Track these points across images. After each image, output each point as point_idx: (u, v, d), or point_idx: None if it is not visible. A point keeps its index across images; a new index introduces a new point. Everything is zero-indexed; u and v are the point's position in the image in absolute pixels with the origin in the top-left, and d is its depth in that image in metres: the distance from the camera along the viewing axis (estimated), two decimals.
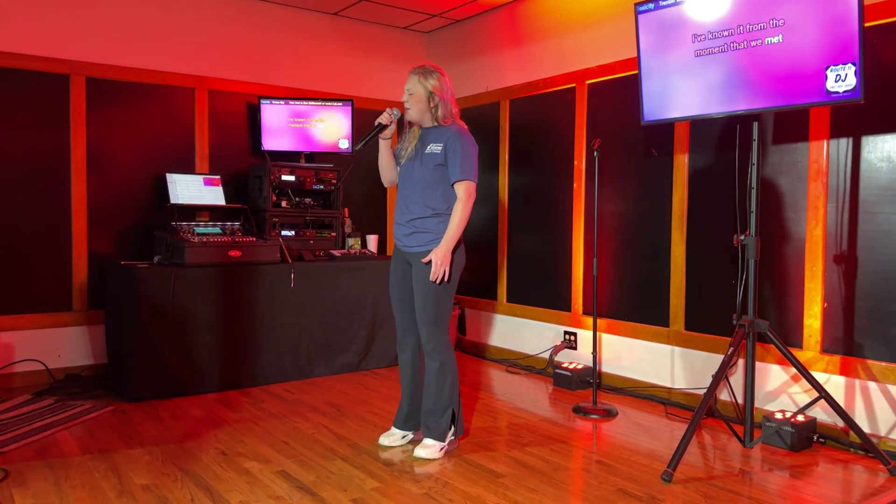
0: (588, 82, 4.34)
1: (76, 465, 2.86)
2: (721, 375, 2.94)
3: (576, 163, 4.43)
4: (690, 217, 3.80)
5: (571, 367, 4.20)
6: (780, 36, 2.73)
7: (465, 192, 2.94)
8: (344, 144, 4.89)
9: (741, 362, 3.43)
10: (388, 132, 3.07)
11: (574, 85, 4.43)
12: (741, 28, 2.86)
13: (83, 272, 4.31)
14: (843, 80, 2.59)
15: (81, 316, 4.31)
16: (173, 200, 4.29)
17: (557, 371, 4.25)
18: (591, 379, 3.89)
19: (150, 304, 3.82)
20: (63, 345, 4.28)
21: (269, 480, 2.72)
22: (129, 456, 2.98)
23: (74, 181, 4.26)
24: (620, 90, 4.12)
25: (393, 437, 3.16)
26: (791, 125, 3.33)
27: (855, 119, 3.11)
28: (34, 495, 2.55)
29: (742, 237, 3.03)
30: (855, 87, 2.57)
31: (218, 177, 4.54)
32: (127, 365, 3.87)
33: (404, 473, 2.82)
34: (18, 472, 2.76)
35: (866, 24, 2.99)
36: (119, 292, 4.02)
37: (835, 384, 3.19)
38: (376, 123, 3.03)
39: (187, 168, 4.65)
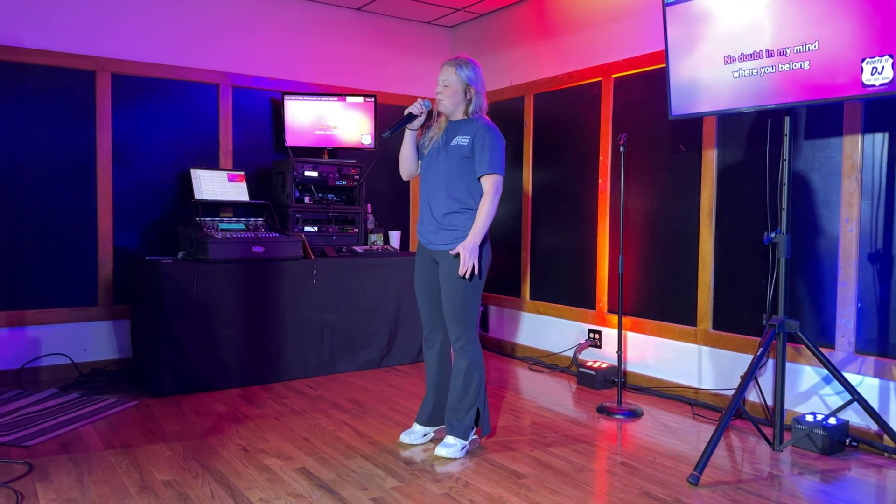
0: (615, 76, 4.27)
1: (99, 460, 2.88)
2: (750, 376, 2.86)
3: (601, 158, 4.36)
4: (719, 214, 3.71)
5: (596, 365, 4.14)
6: (817, 43, 2.63)
7: (492, 186, 2.90)
8: (367, 140, 4.87)
9: (771, 363, 3.35)
10: (416, 123, 3.03)
11: (600, 79, 4.35)
12: (771, 51, 2.77)
13: (109, 267, 4.35)
14: (879, 72, 2.49)
15: (107, 311, 4.35)
16: (197, 196, 4.31)
17: (581, 370, 4.19)
18: (616, 378, 3.83)
19: (174, 300, 3.83)
20: (89, 339, 4.32)
21: (290, 478, 2.71)
22: (151, 451, 2.99)
23: (100, 176, 4.30)
24: (648, 84, 4.03)
25: (414, 435, 3.13)
26: (824, 119, 3.23)
27: (891, 113, 3.00)
28: (56, 490, 2.57)
29: (772, 235, 2.94)
30: (892, 79, 2.47)
31: (242, 173, 4.55)
32: (151, 360, 3.89)
33: (425, 472, 2.79)
34: (42, 466, 2.79)
35: None
36: (143, 287, 4.04)
37: (868, 386, 3.09)
38: (406, 113, 2.99)
39: (211, 164, 4.66)
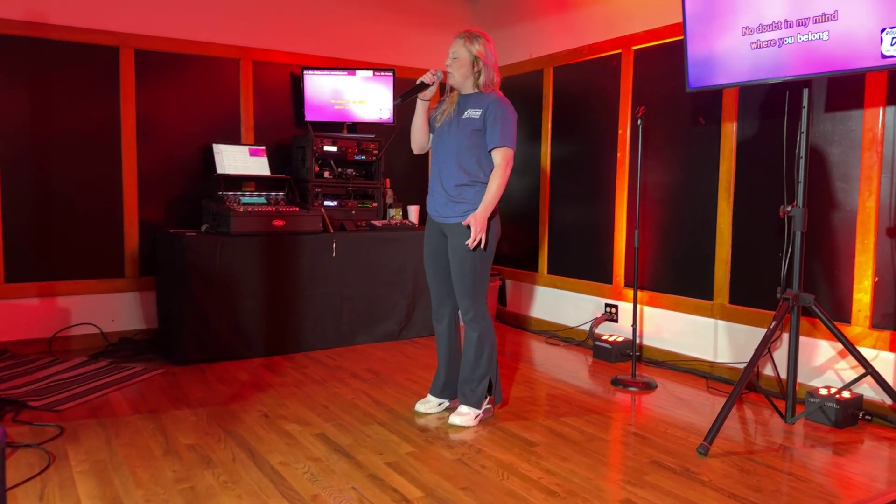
0: (634, 48, 4.23)
1: (126, 424, 2.99)
2: (763, 349, 2.87)
3: (620, 132, 4.34)
4: (738, 187, 3.69)
5: (612, 339, 4.17)
6: (837, 13, 2.60)
7: (503, 159, 2.92)
8: (385, 115, 4.90)
9: (785, 336, 3.35)
10: (428, 93, 3.04)
11: (620, 51, 4.32)
12: (790, 21, 2.73)
13: (134, 240, 4.45)
14: None
15: (133, 282, 4.47)
16: (220, 170, 4.38)
17: (597, 343, 4.22)
18: (631, 352, 3.86)
19: (198, 272, 3.93)
20: (117, 310, 4.45)
21: (309, 443, 2.80)
22: (176, 416, 3.10)
23: (125, 150, 4.39)
24: (668, 56, 4.00)
25: (429, 405, 3.20)
26: (845, 91, 3.19)
27: None
28: (86, 451, 2.68)
29: (789, 208, 2.93)
30: None
31: (263, 147, 4.61)
32: (176, 330, 4.00)
33: (439, 439, 2.86)
34: (73, 430, 2.90)
35: None
36: (168, 260, 4.15)
37: (884, 360, 3.09)
38: (418, 82, 3.02)
39: (233, 138, 4.73)
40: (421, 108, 3.07)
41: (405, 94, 3.00)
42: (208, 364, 3.96)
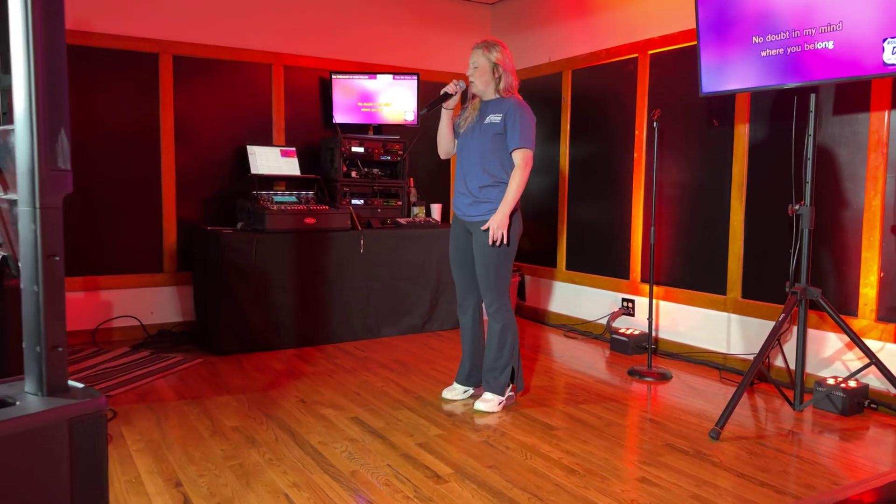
0: (650, 52, 4.40)
1: (173, 409, 3.22)
2: (772, 341, 3.04)
3: (636, 133, 4.51)
4: (750, 186, 3.85)
5: (628, 332, 4.34)
6: (841, 24, 2.76)
7: (522, 160, 3.10)
8: (410, 117, 5.10)
9: (794, 329, 3.51)
10: (451, 102, 3.24)
11: (636, 55, 4.49)
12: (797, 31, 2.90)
13: (172, 237, 4.69)
14: None
15: (171, 277, 4.71)
16: (254, 171, 4.61)
17: (614, 336, 4.40)
18: (647, 344, 4.03)
19: (234, 267, 4.15)
20: (155, 303, 4.69)
21: (344, 425, 3.01)
22: (218, 402, 3.32)
23: (164, 152, 4.62)
24: (682, 60, 4.16)
25: (455, 392, 3.40)
26: (852, 96, 3.34)
27: None
28: (140, 432, 2.91)
29: (797, 207, 3.09)
30: None
31: (293, 149, 4.83)
32: (213, 322, 4.23)
33: (465, 423, 3.06)
34: (124, 413, 3.13)
35: None
36: (205, 256, 4.37)
37: (889, 352, 3.24)
38: (442, 93, 3.21)
39: (265, 140, 4.95)
40: (445, 116, 3.27)
41: (430, 104, 3.20)
42: (244, 354, 4.18)
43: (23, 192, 1.40)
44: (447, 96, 3.21)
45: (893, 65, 2.65)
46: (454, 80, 3.22)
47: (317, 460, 2.64)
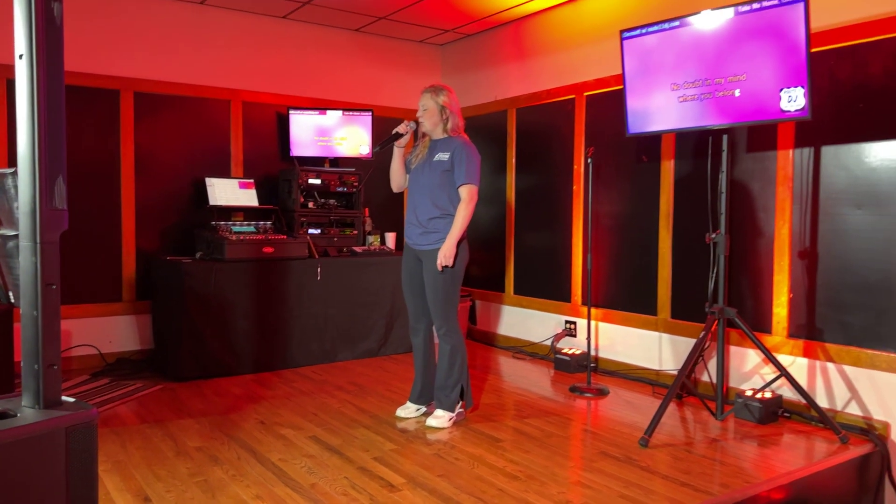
0: (586, 94, 4.77)
1: (137, 432, 3.36)
2: (693, 356, 3.37)
3: (575, 167, 4.86)
4: (676, 217, 4.22)
5: (571, 352, 4.64)
6: (745, 75, 3.15)
7: (468, 194, 3.39)
8: (365, 150, 5.36)
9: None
10: (403, 141, 3.52)
11: (574, 96, 4.86)
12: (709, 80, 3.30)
13: (132, 266, 4.82)
14: (794, 100, 3.00)
15: (130, 306, 4.83)
16: (212, 202, 4.79)
17: (558, 356, 4.69)
18: (587, 363, 4.33)
19: (194, 295, 4.31)
20: (114, 332, 4.79)
21: (303, 443, 3.20)
22: (180, 425, 3.47)
23: (124, 184, 4.77)
24: (615, 101, 4.53)
25: (408, 410, 3.62)
26: (762, 136, 3.74)
27: (816, 131, 3.51)
28: (106, 454, 3.04)
29: (714, 235, 3.45)
30: (804, 106, 2.99)
31: (251, 180, 5.03)
32: (173, 349, 4.37)
33: (418, 438, 3.28)
34: None
35: (824, 48, 3.41)
36: (165, 284, 4.52)
37: (799, 365, 3.60)
38: (394, 132, 3.49)
39: (224, 172, 5.14)
40: (398, 153, 3.55)
41: (383, 142, 3.48)
42: (203, 380, 4.32)
43: (24, 228, 1.60)
44: (398, 136, 3.49)
45: (789, 111, 3.03)
46: (406, 122, 3.50)
47: (278, 475, 2.83)
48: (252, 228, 4.78)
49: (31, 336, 1.61)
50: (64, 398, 1.66)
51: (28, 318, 1.60)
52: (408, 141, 3.54)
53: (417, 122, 3.51)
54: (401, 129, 3.48)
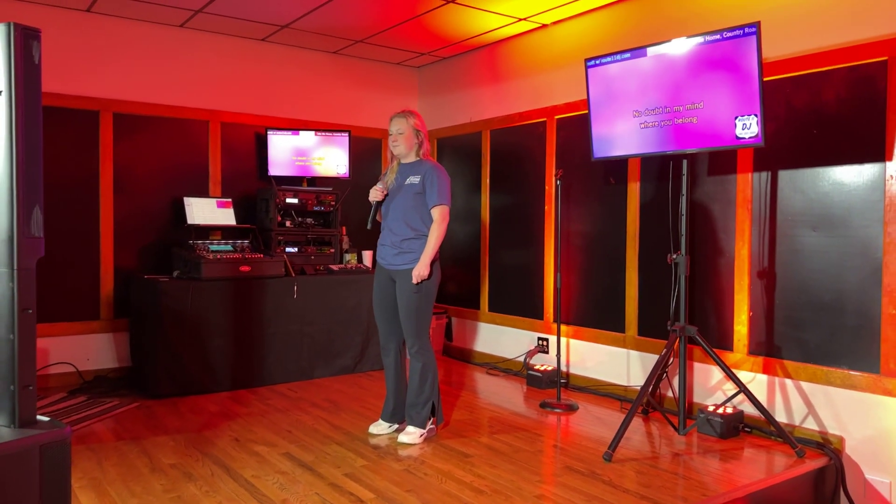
0: (557, 117, 4.91)
1: (113, 449, 3.41)
2: (656, 372, 3.48)
3: (547, 188, 4.99)
4: (642, 237, 4.35)
5: (543, 368, 4.74)
6: (702, 103, 3.30)
7: (440, 215, 3.50)
8: (342, 170, 5.46)
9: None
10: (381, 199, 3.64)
11: (545, 119, 5.00)
12: (668, 108, 3.46)
13: (110, 285, 4.87)
14: (748, 128, 3.15)
15: (108, 324, 4.87)
16: (190, 221, 4.85)
17: (530, 373, 4.79)
18: (557, 379, 4.43)
19: (171, 313, 4.37)
20: (91, 349, 4.83)
21: (276, 460, 3.26)
22: (156, 442, 3.52)
23: (102, 203, 4.83)
24: (584, 125, 4.65)
25: (380, 427, 3.70)
26: (722, 160, 3.89)
27: (774, 156, 3.66)
28: (81, 471, 3.09)
29: (675, 256, 3.58)
30: (757, 133, 3.14)
31: (229, 200, 5.11)
32: (149, 366, 4.42)
33: (389, 455, 3.36)
34: None
35: (781, 76, 3.58)
36: (143, 303, 4.57)
37: (759, 381, 3.73)
38: (373, 202, 3.61)
39: (202, 191, 5.21)
40: (376, 207, 3.66)
41: (372, 217, 3.61)
42: (179, 398, 4.37)
43: (1, 255, 1.68)
44: (378, 203, 3.62)
45: (744, 138, 3.18)
46: (372, 189, 3.59)
47: (250, 491, 2.89)
48: (229, 247, 4.85)
49: (8, 359, 1.68)
50: (39, 417, 1.73)
51: (4, 341, 1.68)
52: (382, 197, 3.64)
53: (380, 191, 3.60)
54: (374, 196, 3.59)
